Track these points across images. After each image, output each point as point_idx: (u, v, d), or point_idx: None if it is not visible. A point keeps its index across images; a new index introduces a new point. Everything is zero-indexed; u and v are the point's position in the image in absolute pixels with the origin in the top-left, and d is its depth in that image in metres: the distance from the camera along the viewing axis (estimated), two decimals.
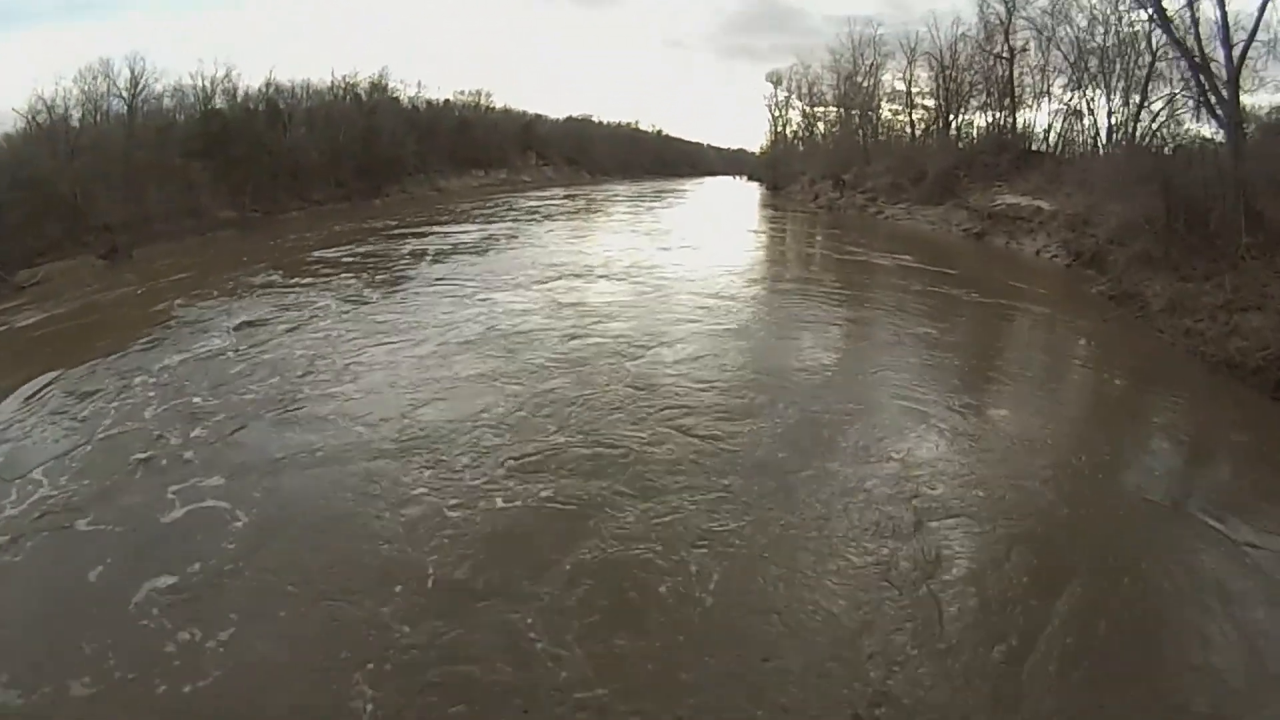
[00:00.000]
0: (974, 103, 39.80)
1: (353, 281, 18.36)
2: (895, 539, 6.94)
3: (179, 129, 33.10)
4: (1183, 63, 20.14)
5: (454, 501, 7.47)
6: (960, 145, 37.31)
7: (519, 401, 10.11)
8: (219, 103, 37.81)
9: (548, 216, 36.18)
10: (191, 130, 33.62)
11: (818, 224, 38.19)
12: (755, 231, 35.71)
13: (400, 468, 8.22)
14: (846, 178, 46.71)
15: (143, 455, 8.65)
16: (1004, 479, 8.30)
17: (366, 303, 16.21)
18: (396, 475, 8.04)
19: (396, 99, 53.73)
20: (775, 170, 68.36)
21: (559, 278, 18.96)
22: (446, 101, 61.64)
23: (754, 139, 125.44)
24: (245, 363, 11.99)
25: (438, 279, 18.89)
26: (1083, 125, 31.90)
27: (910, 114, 48.29)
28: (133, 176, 25.90)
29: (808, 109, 66.47)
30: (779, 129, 72.95)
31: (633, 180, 74.85)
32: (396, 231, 28.19)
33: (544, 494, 7.62)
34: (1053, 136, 34.09)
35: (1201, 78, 18.04)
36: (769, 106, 71.81)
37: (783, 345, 13.44)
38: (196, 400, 10.38)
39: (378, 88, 51.09)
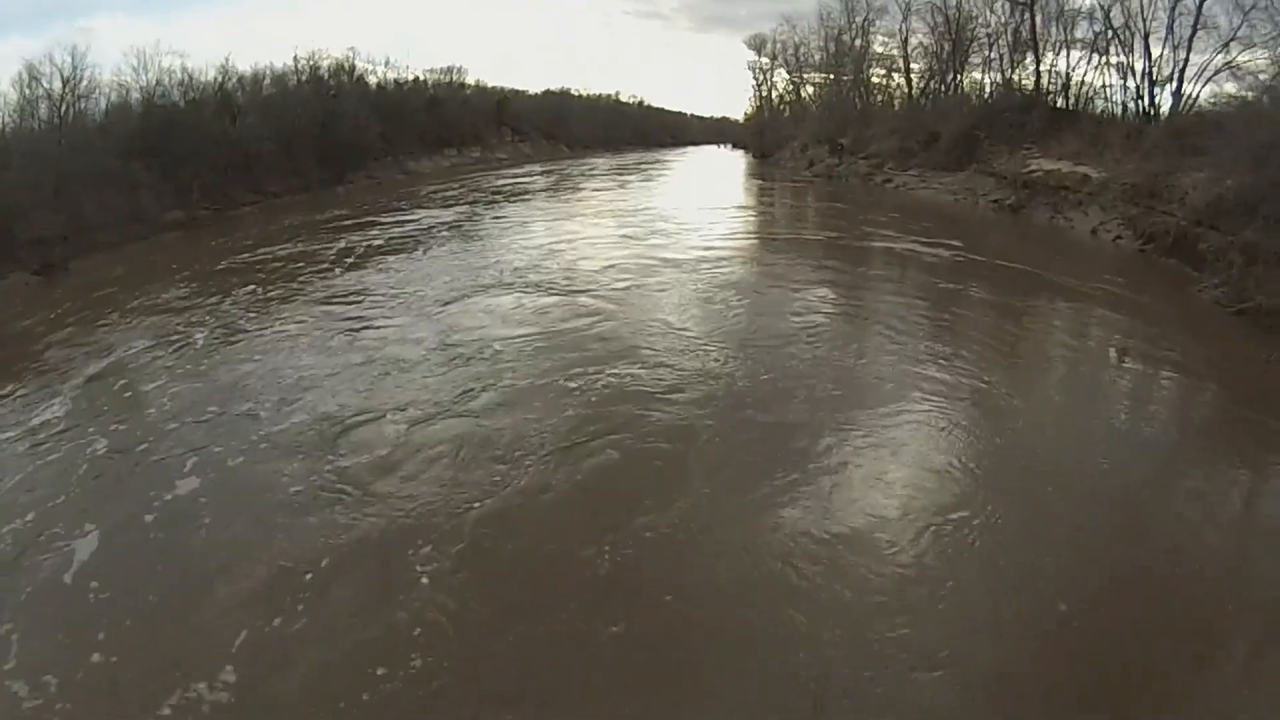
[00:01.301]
0: (976, 59, 34.62)
1: (245, 300, 14.53)
2: None
3: (119, 128, 28.87)
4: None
5: None
6: (974, 104, 32.03)
7: (289, 597, 5.53)
8: (174, 95, 33.83)
9: (510, 198, 31.38)
10: (132, 128, 29.31)
11: (820, 197, 32.57)
12: (745, 209, 30.10)
13: None
14: (844, 141, 41.44)
15: None
16: None
17: (234, 337, 12.13)
18: None
19: (362, 80, 49.31)
20: (762, 137, 63.07)
21: (484, 290, 14.31)
22: (416, 80, 56.39)
23: (737, 107, 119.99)
24: (32, 462, 8.02)
25: (335, 296, 14.44)
26: (1121, 80, 26.70)
27: (907, 74, 42.98)
28: (67, 183, 22.77)
29: (793, 74, 61.11)
30: (764, 94, 67.61)
31: (614, 153, 69.98)
32: (341, 224, 24.35)
33: None
34: (1077, 93, 28.89)
35: None
36: (752, 71, 66.47)
37: (813, 455, 7.73)
38: None
39: (342, 69, 46.52)
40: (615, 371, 9.85)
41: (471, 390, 9.37)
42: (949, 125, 29.30)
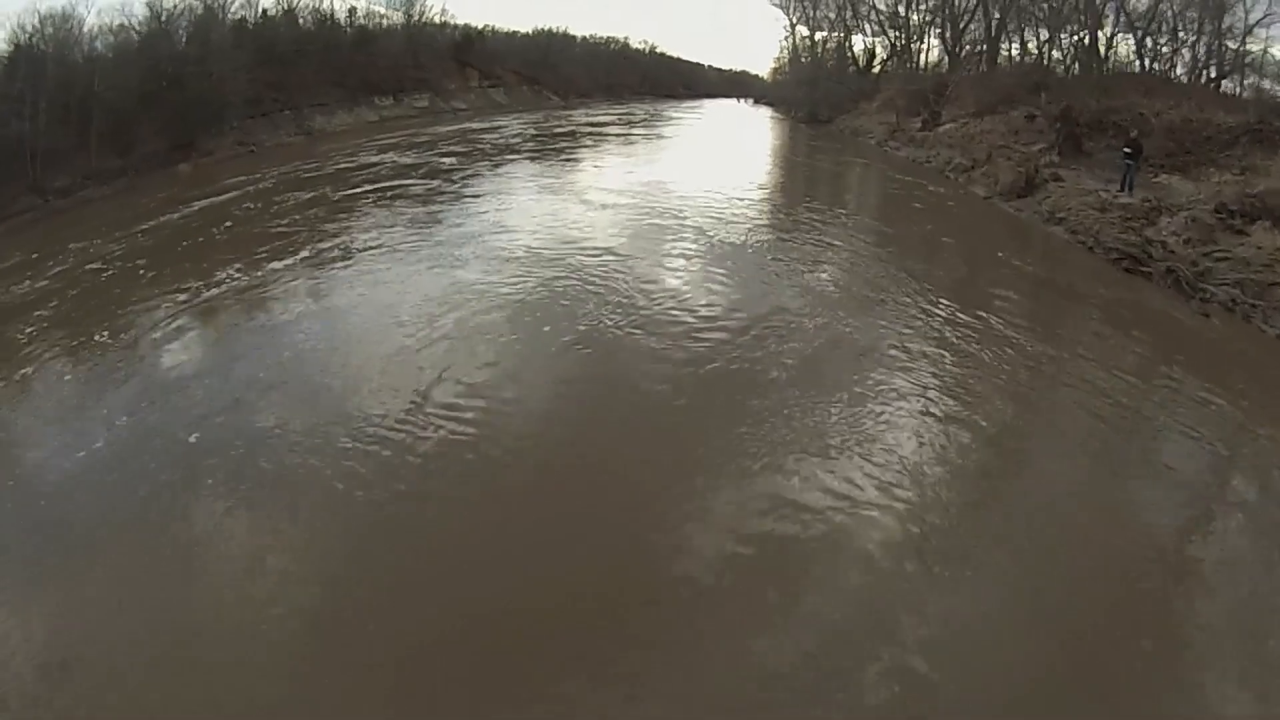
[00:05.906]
0: None
1: None
2: None
3: None
4: None
5: None
6: None
7: None
8: None
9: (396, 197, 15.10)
10: None
11: None
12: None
13: None
14: (1077, 117, 20.31)
15: None
16: None
17: None
18: None
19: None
20: (815, 91, 40.81)
21: None
22: (352, 11, 35.16)
23: (758, 63, 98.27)
24: None
25: None
26: None
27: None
28: None
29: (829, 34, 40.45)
30: (806, 35, 45.48)
31: (615, 101, 49.17)
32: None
33: None
34: None
35: None
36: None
37: None
38: None
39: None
40: None
41: None
42: None
